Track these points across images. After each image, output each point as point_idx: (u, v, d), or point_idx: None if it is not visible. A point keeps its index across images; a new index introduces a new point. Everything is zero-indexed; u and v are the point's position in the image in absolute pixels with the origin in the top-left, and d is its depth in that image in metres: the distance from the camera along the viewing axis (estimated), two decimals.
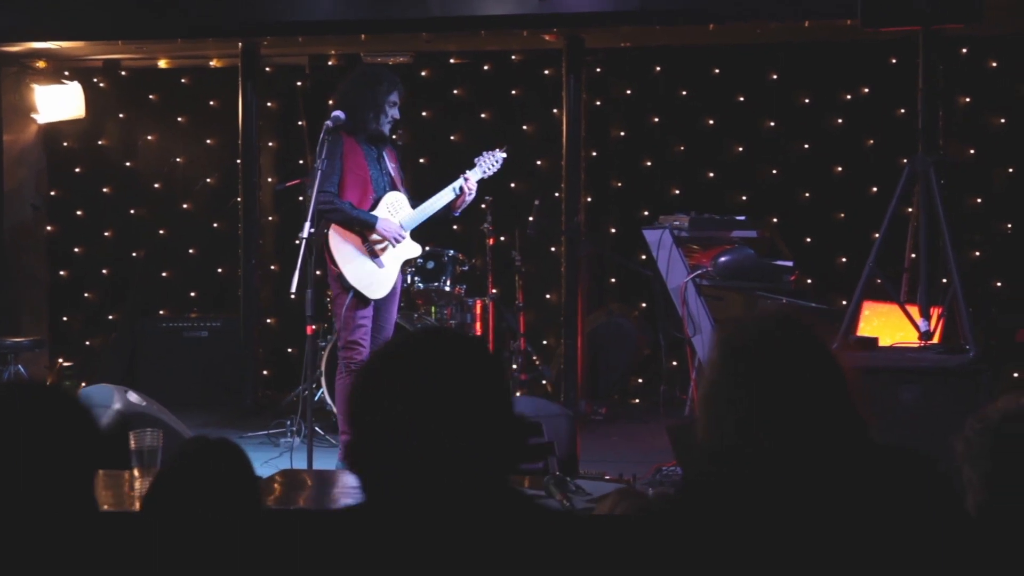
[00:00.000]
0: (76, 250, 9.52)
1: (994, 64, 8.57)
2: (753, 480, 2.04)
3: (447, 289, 7.78)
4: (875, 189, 8.72)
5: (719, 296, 6.37)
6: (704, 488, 2.07)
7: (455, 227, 9.00)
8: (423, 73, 9.17)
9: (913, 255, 6.42)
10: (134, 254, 9.48)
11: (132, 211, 9.48)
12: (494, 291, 8.13)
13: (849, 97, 8.78)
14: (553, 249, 8.87)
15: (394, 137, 6.46)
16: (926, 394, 4.86)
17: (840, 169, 8.81)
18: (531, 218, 8.12)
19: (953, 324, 5.45)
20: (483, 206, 8.19)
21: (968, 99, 8.60)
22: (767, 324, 2.16)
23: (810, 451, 2.05)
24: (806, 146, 8.84)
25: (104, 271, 9.51)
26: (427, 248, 7.93)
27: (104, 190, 9.51)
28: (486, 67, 9.16)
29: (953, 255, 5.16)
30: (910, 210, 8.30)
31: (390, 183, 6.25)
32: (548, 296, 9.04)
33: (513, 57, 9.10)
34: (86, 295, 9.52)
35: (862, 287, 5.30)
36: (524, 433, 1.79)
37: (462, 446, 1.71)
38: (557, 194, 8.54)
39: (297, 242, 5.78)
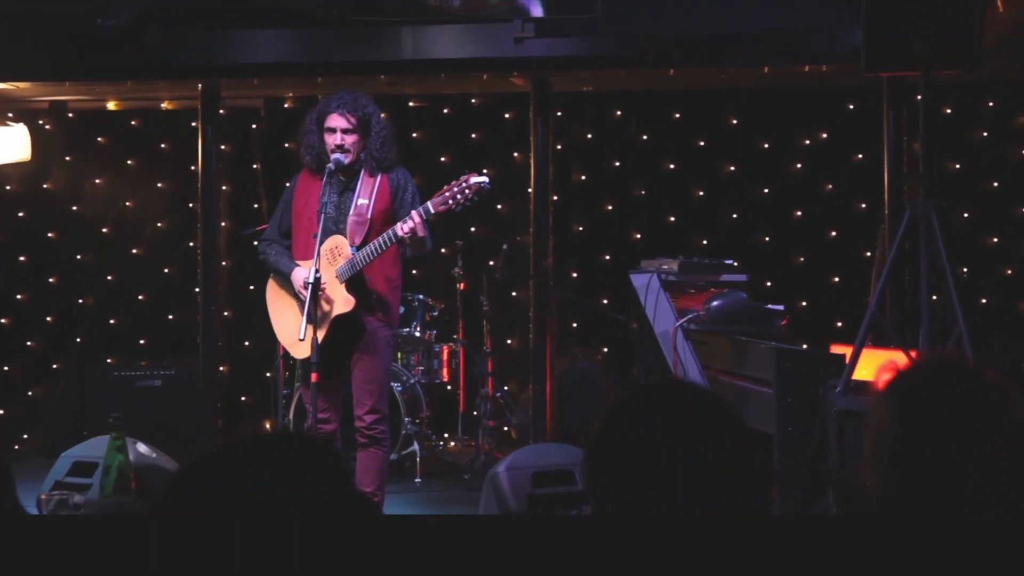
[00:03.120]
0: (19, 297, 9.18)
1: (948, 111, 8.71)
2: (931, 526, 1.98)
3: (417, 335, 7.65)
4: (834, 233, 8.81)
5: (704, 341, 6.33)
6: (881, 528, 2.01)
7: (414, 272, 8.89)
8: (382, 116, 9.03)
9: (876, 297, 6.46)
10: (80, 301, 9.17)
11: (79, 256, 9.17)
12: (457, 337, 8.01)
13: (808, 142, 8.86)
14: (515, 294, 8.78)
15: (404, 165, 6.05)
16: None
17: (800, 213, 8.87)
18: (493, 263, 8.03)
19: None
20: (443, 251, 8.08)
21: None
22: (937, 368, 2.10)
23: (989, 498, 1.99)
24: (766, 190, 8.88)
25: (48, 319, 9.18)
26: None
27: (49, 235, 9.18)
28: (446, 110, 9.07)
29: (957, 299, 5.18)
30: (868, 254, 8.38)
31: (342, 222, 5.46)
32: (509, 341, 8.94)
33: (473, 100, 9.03)
34: (29, 343, 9.18)
35: (864, 332, 5.28)
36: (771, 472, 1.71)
37: (726, 499, 1.61)
38: (519, 238, 8.46)
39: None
